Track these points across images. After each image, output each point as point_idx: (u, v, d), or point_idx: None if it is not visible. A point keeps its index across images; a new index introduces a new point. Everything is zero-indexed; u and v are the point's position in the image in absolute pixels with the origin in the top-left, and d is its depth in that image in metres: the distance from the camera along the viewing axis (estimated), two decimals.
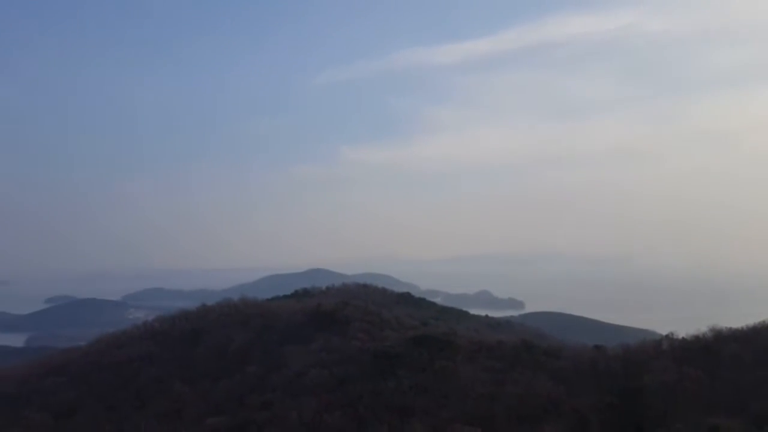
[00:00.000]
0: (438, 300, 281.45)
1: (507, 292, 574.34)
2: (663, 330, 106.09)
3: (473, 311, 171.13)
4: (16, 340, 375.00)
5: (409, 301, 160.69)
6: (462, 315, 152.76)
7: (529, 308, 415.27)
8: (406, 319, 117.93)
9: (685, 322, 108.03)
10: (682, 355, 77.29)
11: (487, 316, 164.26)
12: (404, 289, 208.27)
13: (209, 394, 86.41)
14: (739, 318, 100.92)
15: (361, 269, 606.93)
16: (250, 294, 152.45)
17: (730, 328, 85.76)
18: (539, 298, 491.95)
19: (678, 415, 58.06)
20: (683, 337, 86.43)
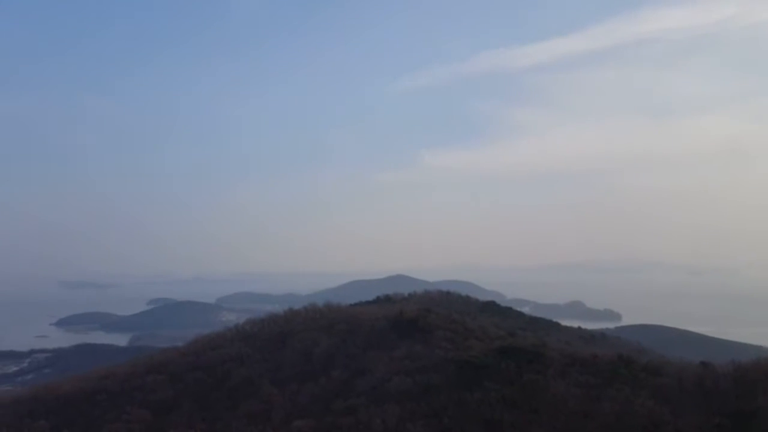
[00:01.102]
0: (526, 310, 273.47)
1: (602, 302, 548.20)
2: None
3: (565, 322, 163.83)
4: (120, 339, 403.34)
5: (494, 310, 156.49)
6: (552, 326, 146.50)
7: (626, 320, 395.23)
8: (492, 328, 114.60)
9: None
10: None
11: (579, 327, 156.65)
12: (489, 298, 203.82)
13: (296, 397, 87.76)
14: None
15: (444, 276, 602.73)
16: (333, 299, 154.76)
17: None
18: (637, 309, 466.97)
19: None
20: None
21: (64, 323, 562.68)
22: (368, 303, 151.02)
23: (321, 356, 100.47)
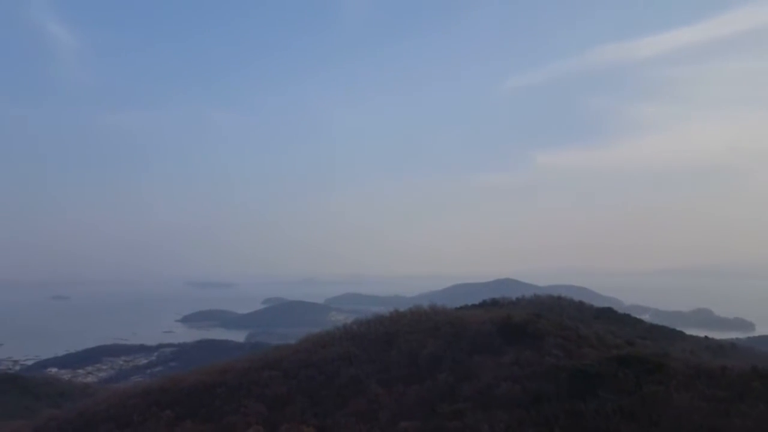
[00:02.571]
0: (646, 317, 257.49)
1: (732, 310, 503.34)
2: None
3: (689, 331, 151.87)
4: (238, 336, 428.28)
5: (610, 316, 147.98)
6: (675, 335, 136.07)
7: (761, 330, 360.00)
8: (608, 336, 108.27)
9: None
10: None
11: (706, 337, 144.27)
12: (605, 304, 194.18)
13: (402, 398, 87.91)
14: None
15: (554, 281, 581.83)
16: (438, 302, 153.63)
17: None
18: None
19: None
20: None
21: (188, 320, 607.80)
22: (474, 307, 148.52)
23: (427, 359, 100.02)
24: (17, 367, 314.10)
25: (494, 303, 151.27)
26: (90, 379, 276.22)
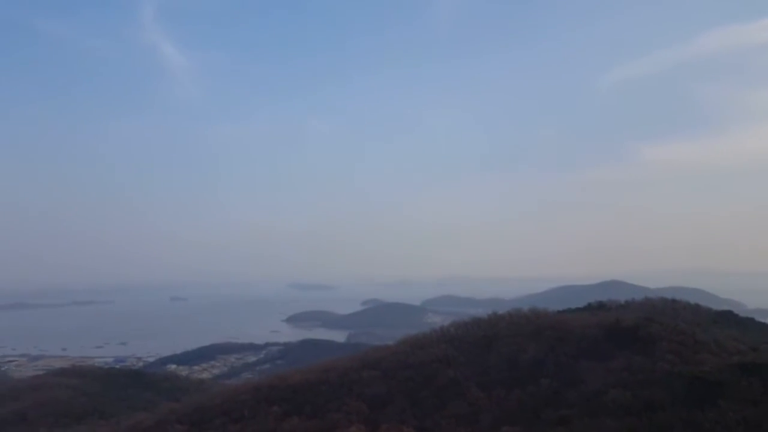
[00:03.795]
0: None
1: None
2: None
3: None
4: (339, 336, 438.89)
5: (731, 320, 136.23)
6: None
7: None
8: (729, 342, 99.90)
9: None
10: None
11: None
12: (724, 307, 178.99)
13: (503, 402, 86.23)
14: None
15: (667, 282, 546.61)
16: (539, 304, 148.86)
17: None
18: None
19: None
20: None
21: (293, 320, 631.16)
22: (578, 310, 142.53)
23: (528, 363, 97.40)
24: (141, 364, 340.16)
25: (600, 306, 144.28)
26: (205, 375, 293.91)
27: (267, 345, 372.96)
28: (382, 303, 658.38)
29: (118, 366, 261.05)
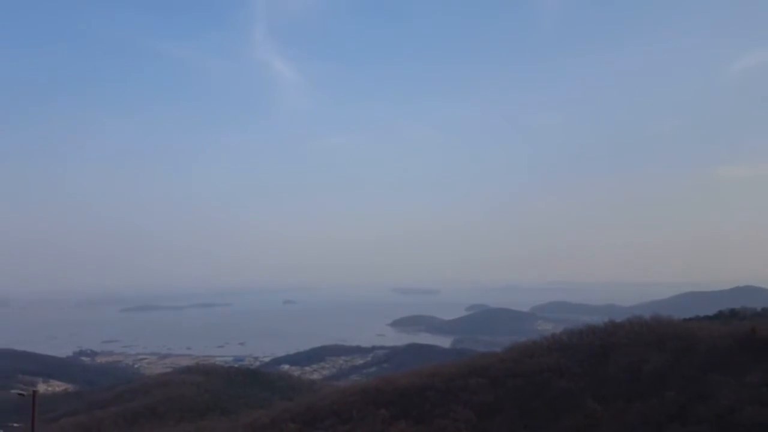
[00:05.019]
0: None
1: None
2: None
3: None
4: (443, 341, 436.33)
5: None
6: None
7: None
8: None
9: None
10: None
11: None
12: None
13: (623, 416, 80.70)
14: None
15: None
16: (662, 312, 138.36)
17: None
18: None
19: None
20: None
21: (397, 324, 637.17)
22: (707, 318, 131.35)
23: (650, 374, 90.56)
24: (257, 363, 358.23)
25: (733, 314, 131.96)
26: (315, 375, 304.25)
27: (373, 348, 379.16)
28: (488, 308, 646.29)
29: (237, 365, 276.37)
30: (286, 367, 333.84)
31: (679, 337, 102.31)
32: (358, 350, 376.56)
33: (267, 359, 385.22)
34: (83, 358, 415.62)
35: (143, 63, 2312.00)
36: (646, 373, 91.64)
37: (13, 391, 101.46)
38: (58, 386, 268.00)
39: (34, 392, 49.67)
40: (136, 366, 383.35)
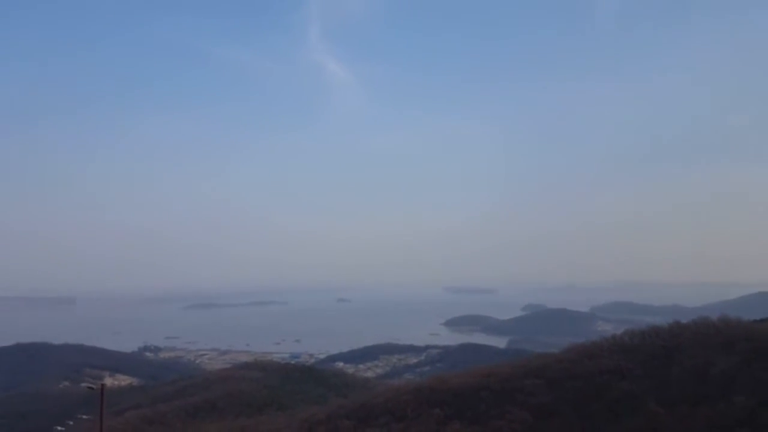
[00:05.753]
0: None
1: None
2: None
3: None
4: (498, 341, 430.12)
5: None
6: None
7: None
8: None
9: None
10: None
11: None
12: None
13: (688, 420, 77.26)
14: None
15: None
16: (731, 313, 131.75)
17: None
18: None
19: None
20: None
21: (451, 323, 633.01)
22: None
23: (718, 377, 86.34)
24: (312, 360, 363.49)
25: None
26: (369, 374, 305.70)
27: (427, 347, 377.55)
28: (545, 308, 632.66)
29: (293, 361, 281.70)
30: (340, 364, 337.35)
31: (748, 338, 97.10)
32: (412, 349, 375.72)
33: (322, 356, 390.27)
34: (147, 354, 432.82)
35: (200, 65, 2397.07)
36: (713, 376, 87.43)
37: (83, 385, 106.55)
38: (123, 380, 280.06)
39: (102, 386, 51.98)
40: (197, 361, 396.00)
